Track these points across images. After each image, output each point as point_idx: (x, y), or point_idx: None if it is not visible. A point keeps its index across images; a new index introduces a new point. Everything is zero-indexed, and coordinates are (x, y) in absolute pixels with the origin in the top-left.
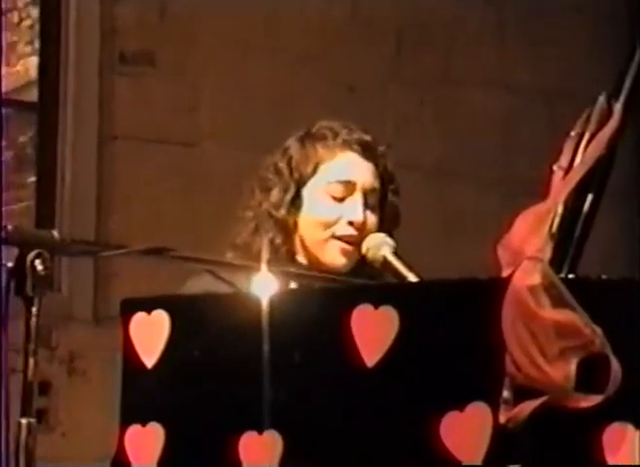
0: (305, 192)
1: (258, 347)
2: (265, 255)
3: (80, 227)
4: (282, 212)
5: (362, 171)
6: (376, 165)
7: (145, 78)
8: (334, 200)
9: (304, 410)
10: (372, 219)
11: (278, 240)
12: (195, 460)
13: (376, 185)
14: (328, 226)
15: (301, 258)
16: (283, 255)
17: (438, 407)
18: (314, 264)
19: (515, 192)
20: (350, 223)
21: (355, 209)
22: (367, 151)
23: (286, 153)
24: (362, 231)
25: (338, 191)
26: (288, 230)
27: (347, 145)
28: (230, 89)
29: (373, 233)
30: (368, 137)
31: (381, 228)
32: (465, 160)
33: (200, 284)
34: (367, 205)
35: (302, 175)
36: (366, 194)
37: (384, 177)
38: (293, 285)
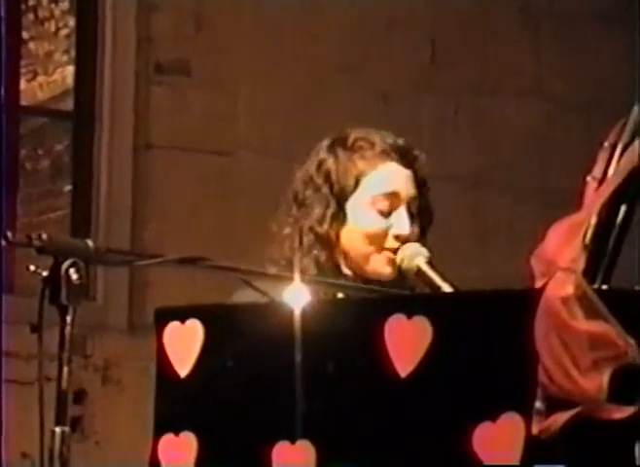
0: (349, 206)
1: (291, 357)
2: (312, 272)
3: (115, 235)
4: (325, 227)
5: (403, 181)
6: (413, 170)
7: (181, 87)
8: (380, 214)
9: (337, 419)
10: (415, 230)
11: (323, 257)
12: None
13: (416, 192)
14: (375, 239)
15: (346, 270)
16: (330, 271)
17: (470, 417)
18: (359, 274)
19: (550, 202)
20: (396, 236)
21: (402, 224)
22: (404, 158)
23: (321, 167)
24: (407, 242)
25: (384, 204)
26: (331, 244)
27: (386, 154)
28: (265, 99)
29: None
30: (401, 141)
31: (420, 231)
32: (500, 170)
33: (247, 297)
34: (411, 217)
35: (343, 190)
36: (409, 204)
37: (420, 181)
38: (340, 296)
